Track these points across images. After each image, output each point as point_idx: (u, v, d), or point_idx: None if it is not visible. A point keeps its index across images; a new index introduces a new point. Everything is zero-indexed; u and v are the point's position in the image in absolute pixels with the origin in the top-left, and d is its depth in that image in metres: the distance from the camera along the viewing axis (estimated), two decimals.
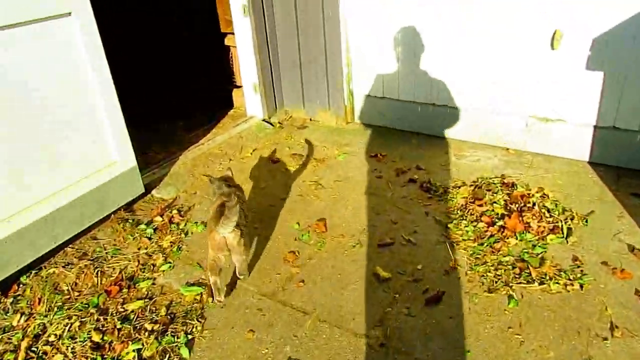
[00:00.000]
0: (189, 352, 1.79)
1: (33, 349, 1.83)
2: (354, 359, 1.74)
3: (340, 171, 3.07)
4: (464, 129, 3.31)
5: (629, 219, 2.39)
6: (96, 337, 1.86)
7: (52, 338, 1.87)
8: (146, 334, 1.86)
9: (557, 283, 1.99)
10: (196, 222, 2.58)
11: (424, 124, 3.46)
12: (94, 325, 1.92)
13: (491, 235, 2.29)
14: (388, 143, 3.41)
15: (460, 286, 2.03)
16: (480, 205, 2.51)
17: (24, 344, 1.84)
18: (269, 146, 3.48)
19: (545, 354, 1.70)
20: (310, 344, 1.81)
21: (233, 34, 3.67)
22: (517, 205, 2.46)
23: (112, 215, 2.59)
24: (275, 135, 3.68)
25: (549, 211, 2.42)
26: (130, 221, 2.59)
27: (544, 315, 1.85)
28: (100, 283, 2.16)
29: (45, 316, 1.98)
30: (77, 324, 1.93)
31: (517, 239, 2.26)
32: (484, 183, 2.74)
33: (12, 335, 1.90)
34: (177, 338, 1.84)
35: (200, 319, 1.94)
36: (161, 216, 2.63)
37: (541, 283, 1.99)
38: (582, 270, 2.06)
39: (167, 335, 1.86)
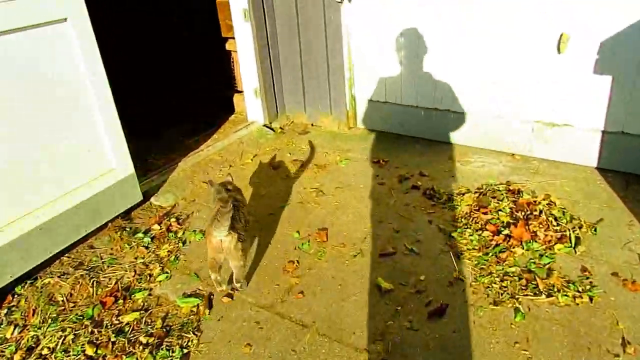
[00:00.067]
0: None
1: None
2: None
3: (342, 178, 3.01)
4: (468, 133, 3.25)
5: (639, 227, 2.31)
6: (90, 351, 1.82)
7: (45, 351, 1.83)
8: (141, 347, 1.82)
9: (565, 295, 1.92)
10: (194, 231, 2.54)
11: (428, 128, 3.39)
12: (88, 338, 1.87)
13: (497, 245, 2.23)
14: (391, 148, 3.35)
15: (465, 298, 1.96)
16: (485, 213, 2.44)
17: (16, 357, 1.81)
18: (269, 152, 3.43)
19: None
20: (308, 359, 1.75)
21: (234, 38, 3.64)
22: (523, 213, 2.39)
23: (110, 223, 2.55)
24: (277, 140, 3.63)
25: (556, 219, 2.35)
26: (128, 229, 2.54)
27: (552, 330, 1.78)
28: (96, 294, 2.12)
29: (39, 328, 1.94)
30: (71, 336, 1.89)
31: (523, 248, 2.19)
32: (489, 190, 2.67)
33: (5, 348, 1.86)
34: (172, 352, 1.79)
35: (196, 332, 1.89)
36: (159, 224, 2.59)
37: (549, 295, 1.92)
38: (591, 282, 1.99)
39: (162, 349, 1.81)
